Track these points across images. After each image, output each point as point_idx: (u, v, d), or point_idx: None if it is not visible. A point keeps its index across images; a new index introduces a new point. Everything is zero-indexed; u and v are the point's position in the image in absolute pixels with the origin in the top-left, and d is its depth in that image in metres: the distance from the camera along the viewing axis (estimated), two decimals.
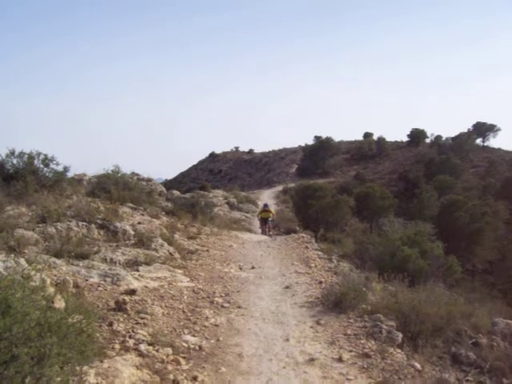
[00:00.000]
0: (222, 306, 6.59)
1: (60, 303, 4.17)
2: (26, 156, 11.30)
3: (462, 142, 63.96)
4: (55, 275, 6.05)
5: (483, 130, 68.40)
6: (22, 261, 5.62)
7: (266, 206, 21.04)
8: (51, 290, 4.53)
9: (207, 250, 10.62)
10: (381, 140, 71.81)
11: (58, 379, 2.99)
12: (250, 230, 18.28)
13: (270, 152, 78.85)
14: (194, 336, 5.32)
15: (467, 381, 5.21)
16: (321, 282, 8.26)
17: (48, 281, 4.74)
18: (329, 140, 67.33)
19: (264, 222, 20.29)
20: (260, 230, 20.38)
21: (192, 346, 5.00)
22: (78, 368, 3.28)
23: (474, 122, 69.81)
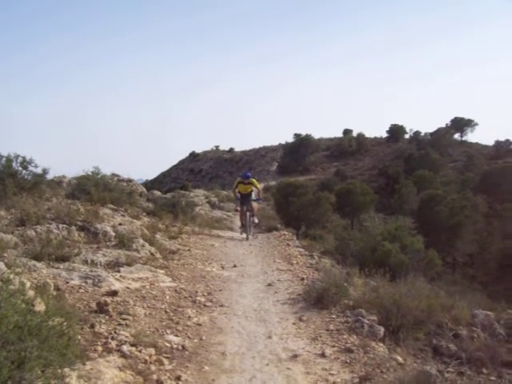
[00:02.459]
0: (205, 305, 6.59)
1: (40, 306, 4.13)
2: (4, 159, 11.19)
3: (440, 137, 64.84)
4: (35, 278, 5.99)
5: (461, 124, 69.41)
6: (1, 264, 5.56)
7: (246, 174, 14.76)
8: (31, 293, 4.49)
9: (189, 250, 10.61)
10: (360, 136, 72.44)
11: (39, 383, 2.97)
12: (231, 229, 18.16)
13: (250, 150, 79.00)
14: (176, 336, 5.31)
15: (448, 372, 5.27)
16: (303, 279, 8.29)
17: (28, 284, 4.70)
18: (308, 137, 67.71)
19: (244, 201, 14.60)
20: (239, 223, 15.31)
21: (175, 346, 4.99)
22: (59, 371, 3.25)
23: (452, 118, 70.67)
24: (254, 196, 14.70)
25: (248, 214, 14.41)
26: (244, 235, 14.29)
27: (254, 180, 14.85)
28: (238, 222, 17.06)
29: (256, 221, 15.11)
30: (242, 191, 14.70)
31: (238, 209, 15.19)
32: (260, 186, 15.75)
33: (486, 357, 5.63)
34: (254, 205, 14.71)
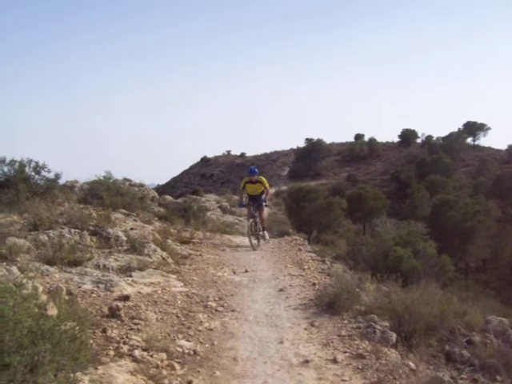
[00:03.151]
0: (216, 310, 6.59)
1: (53, 310, 4.16)
2: (17, 164, 11.28)
3: (452, 141, 64.43)
4: (48, 283, 6.03)
5: (474, 129, 69.04)
6: (14, 269, 5.61)
7: (253, 171, 12.81)
8: (44, 297, 4.52)
9: (200, 255, 10.61)
10: (372, 141, 72.14)
11: None
12: (243, 234, 18.14)
13: (261, 155, 78.99)
14: (188, 341, 5.31)
15: (461, 378, 5.23)
16: (314, 284, 8.26)
17: (40, 288, 4.73)
18: (320, 142, 67.56)
19: (253, 203, 12.75)
20: (246, 228, 13.33)
21: (186, 351, 4.99)
22: (71, 375, 3.27)
23: (465, 122, 70.30)
24: (263, 197, 12.79)
25: (257, 221, 12.53)
26: (253, 241, 12.37)
27: (263, 178, 12.92)
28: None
29: (267, 237, 13.05)
30: (251, 192, 12.81)
31: (248, 219, 12.92)
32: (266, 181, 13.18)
33: (500, 364, 5.57)
34: (265, 213, 12.98)
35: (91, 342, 4.36)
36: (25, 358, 2.86)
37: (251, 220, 12.50)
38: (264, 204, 12.88)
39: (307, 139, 68.74)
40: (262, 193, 12.76)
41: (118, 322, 5.39)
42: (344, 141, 78.24)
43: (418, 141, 71.86)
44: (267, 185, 12.91)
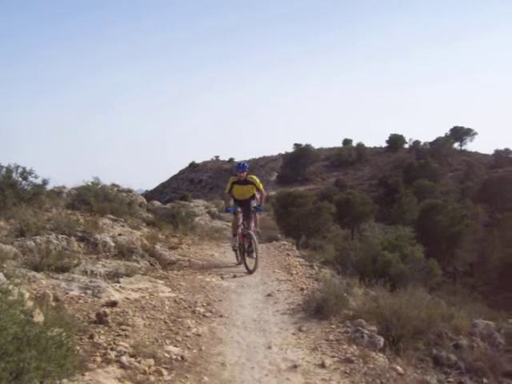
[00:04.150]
0: (204, 316, 6.57)
1: (39, 317, 4.13)
2: (4, 169, 11.22)
3: (439, 146, 65.01)
4: (34, 289, 5.99)
5: (460, 134, 69.74)
6: (1, 275, 5.56)
7: (241, 167, 10.00)
8: (30, 303, 4.49)
9: (188, 260, 10.59)
10: (360, 146, 72.60)
11: None
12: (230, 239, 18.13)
13: (250, 160, 79.09)
14: (176, 346, 5.29)
15: (448, 382, 5.26)
16: (302, 289, 8.27)
17: (27, 295, 4.69)
18: (308, 147, 67.92)
19: (242, 210, 9.98)
20: (232, 240, 10.49)
21: (174, 357, 4.97)
22: (58, 382, 3.26)
23: (451, 127, 71.02)
24: (254, 203, 10.09)
25: (250, 234, 9.68)
26: (239, 262, 10.31)
27: (255, 177, 10.12)
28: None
29: (254, 255, 9.59)
30: (239, 196, 10.20)
31: (233, 230, 10.35)
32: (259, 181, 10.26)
33: (487, 367, 5.61)
34: (256, 217, 10.25)
35: (78, 348, 4.34)
36: (10, 365, 2.84)
37: (241, 222, 9.95)
38: (254, 207, 10.02)
39: (295, 144, 69.12)
40: (253, 197, 10.14)
41: (106, 327, 5.36)
42: (332, 146, 78.73)
43: (406, 146, 72.47)
44: (261, 186, 10.07)
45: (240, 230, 9.93)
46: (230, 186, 10.20)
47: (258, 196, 10.16)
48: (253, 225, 9.96)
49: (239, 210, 10.01)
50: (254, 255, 9.57)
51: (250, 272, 9.49)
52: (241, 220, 9.98)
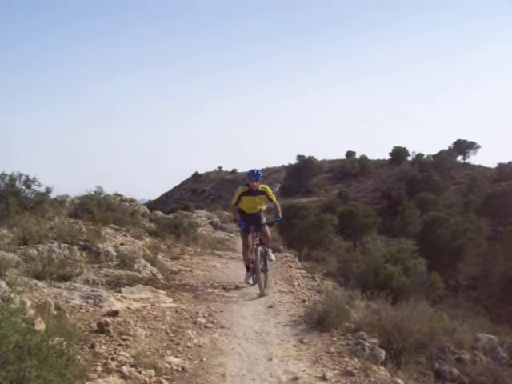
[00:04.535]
0: (205, 327, 6.55)
1: (41, 325, 4.13)
2: (8, 177, 11.25)
3: (442, 159, 64.99)
4: (36, 297, 5.99)
5: (463, 147, 69.69)
6: (3, 283, 5.57)
7: (255, 174, 8.64)
8: (32, 312, 4.49)
9: (190, 271, 10.58)
10: (363, 158, 72.59)
11: None
12: (233, 250, 18.11)
13: None
14: (176, 357, 5.28)
15: None
16: (304, 301, 8.25)
17: (28, 303, 4.70)
18: (311, 159, 67.96)
19: (251, 225, 8.91)
20: (244, 262, 9.40)
21: (175, 367, 4.95)
22: None
23: (455, 140, 71.06)
24: (264, 218, 9.22)
25: (260, 249, 8.78)
26: (251, 282, 9.28)
27: (266, 187, 9.06)
28: (240, 244, 10.72)
29: (272, 258, 9.43)
30: (248, 209, 9.02)
31: (244, 247, 9.23)
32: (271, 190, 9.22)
33: (489, 381, 5.59)
34: (267, 230, 9.06)
35: (79, 357, 4.33)
36: (10, 374, 2.83)
37: (251, 239, 8.99)
38: (266, 221, 9.20)
39: (299, 156, 69.25)
40: (260, 210, 9.24)
41: (107, 337, 5.35)
42: (335, 158, 78.83)
43: (409, 158, 72.48)
44: (274, 197, 9.10)
45: (254, 257, 8.79)
46: (238, 197, 8.92)
47: (271, 205, 9.48)
48: (266, 238, 8.98)
49: (252, 227, 8.91)
50: (270, 257, 9.17)
51: (261, 294, 8.56)
52: (251, 243, 8.96)
